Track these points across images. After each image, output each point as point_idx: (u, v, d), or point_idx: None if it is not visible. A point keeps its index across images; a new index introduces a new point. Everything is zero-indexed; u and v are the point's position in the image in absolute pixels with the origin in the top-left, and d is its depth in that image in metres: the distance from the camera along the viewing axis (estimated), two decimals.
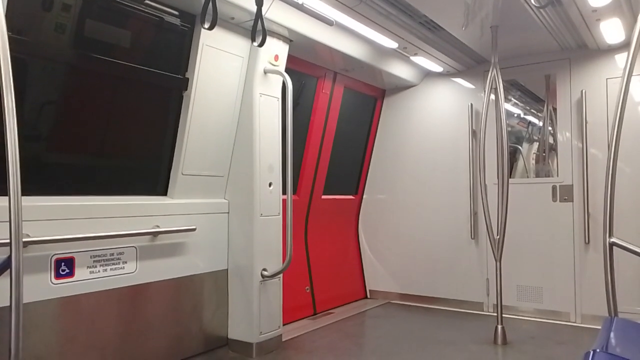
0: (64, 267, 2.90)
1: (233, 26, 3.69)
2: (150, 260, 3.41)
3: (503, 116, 4.20)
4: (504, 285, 4.23)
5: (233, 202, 3.98)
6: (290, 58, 4.13)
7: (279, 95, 4.05)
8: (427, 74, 5.65)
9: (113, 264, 3.17)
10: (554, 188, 4.91)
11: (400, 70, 5.25)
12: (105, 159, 3.47)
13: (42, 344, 2.81)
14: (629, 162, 4.44)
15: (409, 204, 5.72)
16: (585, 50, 4.79)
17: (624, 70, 2.56)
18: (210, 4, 2.92)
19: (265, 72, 3.90)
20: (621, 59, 4.63)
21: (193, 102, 3.57)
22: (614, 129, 2.55)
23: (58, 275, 2.88)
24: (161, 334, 3.50)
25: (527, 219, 4.97)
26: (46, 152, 3.12)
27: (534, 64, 5.07)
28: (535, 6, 3.68)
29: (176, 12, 3.45)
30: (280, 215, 4.06)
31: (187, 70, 3.56)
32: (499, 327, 4.10)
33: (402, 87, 5.77)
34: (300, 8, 3.48)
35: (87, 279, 3.03)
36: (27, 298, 2.47)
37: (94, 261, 3.06)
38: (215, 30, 3.19)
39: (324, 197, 5.35)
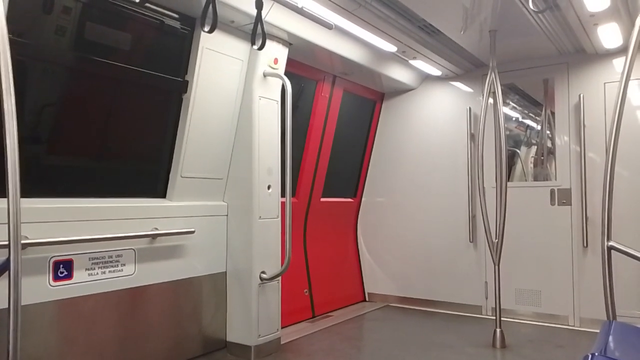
0: (63, 269, 2.90)
1: (233, 29, 3.70)
2: (149, 262, 3.41)
3: (501, 120, 4.21)
4: (503, 289, 4.24)
5: (232, 205, 3.98)
6: (290, 61, 4.14)
7: (279, 99, 4.06)
8: (426, 78, 5.66)
9: (112, 266, 3.17)
10: (552, 192, 4.92)
11: (399, 73, 5.26)
12: (104, 161, 3.47)
13: (40, 347, 2.81)
14: (626, 166, 4.46)
15: (407, 207, 5.72)
16: (583, 54, 4.81)
17: (621, 74, 2.57)
18: (211, 7, 2.92)
19: (264, 75, 3.91)
20: (619, 63, 4.65)
21: (193, 105, 3.57)
22: (612, 133, 2.56)
23: (56, 278, 2.88)
24: (160, 337, 3.49)
25: (525, 223, 4.98)
26: (45, 154, 3.12)
27: (532, 68, 5.09)
28: (533, 11, 3.70)
29: (176, 15, 3.46)
30: (279, 218, 4.06)
31: (186, 73, 3.57)
32: (498, 330, 4.11)
33: (401, 90, 5.78)
34: (300, 12, 3.49)
35: (85, 281, 3.03)
36: (25, 300, 2.47)
37: (92, 263, 3.06)
38: (215, 33, 3.20)
39: (322, 199, 5.36)
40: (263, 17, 3.30)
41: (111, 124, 3.46)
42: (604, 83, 4.69)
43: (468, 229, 5.27)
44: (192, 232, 3.65)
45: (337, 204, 5.71)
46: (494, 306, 4.22)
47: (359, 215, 6.03)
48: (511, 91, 5.69)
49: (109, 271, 3.16)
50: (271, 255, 3.98)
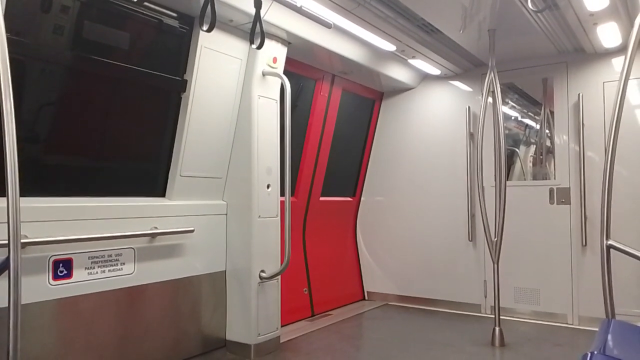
0: (62, 268, 2.90)
1: (231, 28, 3.70)
2: (149, 261, 3.41)
3: (500, 119, 4.22)
4: (502, 287, 4.24)
5: (231, 204, 3.99)
6: (289, 60, 4.14)
7: (277, 98, 4.06)
8: (425, 77, 5.67)
9: (111, 265, 3.17)
10: (551, 191, 4.92)
11: (398, 73, 5.26)
12: (103, 160, 3.47)
13: (40, 346, 2.81)
14: (625, 165, 4.46)
15: (406, 206, 5.72)
16: (582, 54, 4.81)
17: (620, 73, 2.57)
18: (209, 6, 2.92)
19: (263, 75, 3.91)
20: (618, 62, 4.65)
21: (191, 104, 3.57)
22: (611, 132, 2.57)
23: (56, 277, 2.88)
24: (159, 336, 3.50)
25: (524, 222, 4.98)
26: (45, 154, 3.12)
27: (532, 67, 5.09)
28: (532, 10, 3.70)
29: (175, 15, 3.46)
30: (279, 217, 4.06)
31: (185, 72, 3.57)
32: (497, 329, 4.12)
33: (400, 89, 5.78)
34: (299, 11, 3.49)
35: (85, 280, 3.03)
36: (25, 299, 2.47)
37: (92, 262, 3.06)
38: (214, 32, 3.20)
39: (322, 199, 5.36)
40: (262, 16, 3.29)
41: (110, 123, 3.46)
42: (603, 82, 4.70)
43: (467, 228, 5.28)
44: (192, 231, 3.65)
45: (336, 203, 5.72)
46: (493, 305, 4.23)
47: (358, 214, 6.04)
48: (510, 90, 5.69)
49: (109, 270, 3.16)
50: (270, 254, 3.98)
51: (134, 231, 3.28)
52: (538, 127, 5.99)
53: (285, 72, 4.04)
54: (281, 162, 4.00)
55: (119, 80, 3.36)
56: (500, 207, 4.13)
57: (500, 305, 4.18)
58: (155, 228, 3.43)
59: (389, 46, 4.47)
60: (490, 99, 4.36)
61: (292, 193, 4.48)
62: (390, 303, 5.74)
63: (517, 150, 6.07)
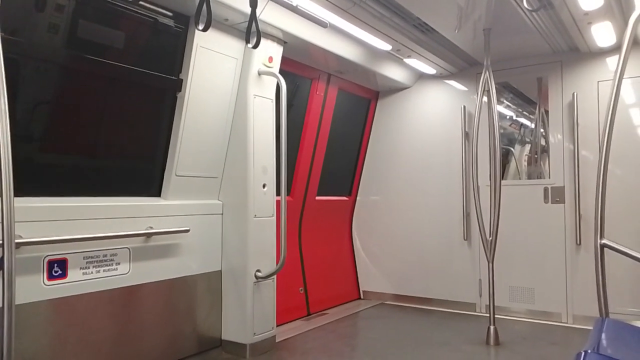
0: (57, 268, 2.89)
1: (227, 28, 3.69)
2: (144, 261, 3.41)
3: (495, 118, 4.23)
4: (497, 286, 4.26)
5: (227, 204, 3.98)
6: (285, 60, 4.14)
7: (273, 97, 4.06)
8: (421, 76, 5.67)
9: (106, 265, 3.16)
10: (545, 190, 4.94)
11: (393, 72, 5.27)
12: (98, 160, 3.46)
13: (35, 346, 2.80)
14: (619, 164, 4.48)
15: (402, 205, 5.73)
16: (576, 53, 4.83)
17: (615, 73, 2.59)
18: (205, 5, 2.92)
19: (259, 74, 3.91)
20: (612, 61, 4.68)
21: (187, 103, 3.57)
22: (605, 131, 2.58)
23: (51, 277, 2.87)
24: (154, 336, 3.49)
25: (519, 221, 5.00)
26: (39, 153, 3.11)
27: (526, 66, 5.11)
28: (527, 9, 3.71)
29: (170, 14, 3.45)
30: (274, 217, 4.06)
31: (181, 72, 3.56)
32: (492, 327, 4.13)
33: (396, 89, 5.79)
34: (295, 10, 3.49)
35: (80, 280, 3.02)
36: (19, 299, 2.46)
37: (86, 262, 3.05)
38: (210, 31, 3.19)
39: (317, 198, 5.36)
40: (257, 15, 3.29)
41: (105, 122, 3.45)
42: (598, 81, 4.72)
43: (462, 227, 5.29)
44: (187, 231, 3.64)
45: (332, 203, 5.72)
46: (488, 303, 4.25)
47: (354, 214, 6.04)
48: (505, 89, 5.72)
49: (104, 270, 3.15)
50: (266, 253, 3.98)
51: (129, 231, 3.27)
52: (533, 126, 6.02)
53: (281, 72, 4.03)
54: (277, 162, 4.00)
55: (114, 79, 3.34)
56: (495, 206, 4.14)
57: (495, 304, 4.20)
58: (151, 228, 3.42)
59: (384, 45, 4.48)
60: (485, 98, 4.38)
61: (288, 192, 4.49)
62: (385, 302, 5.75)
63: (512, 149, 6.10)
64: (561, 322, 4.80)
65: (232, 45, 3.76)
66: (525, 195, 5.05)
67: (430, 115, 5.62)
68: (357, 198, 6.03)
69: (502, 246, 4.52)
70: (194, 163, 3.74)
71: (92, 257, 3.08)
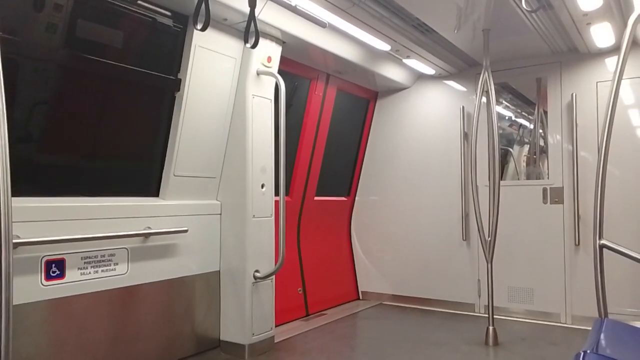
0: (55, 268, 2.88)
1: (226, 27, 3.69)
2: (142, 261, 3.40)
3: (494, 119, 4.23)
4: (495, 287, 4.25)
5: (225, 204, 3.97)
6: (283, 60, 4.13)
7: (272, 97, 4.05)
8: (420, 77, 5.67)
9: (104, 265, 3.16)
10: (544, 190, 4.94)
11: (392, 72, 5.27)
12: (96, 159, 3.45)
13: (32, 346, 2.79)
14: (618, 165, 4.48)
15: (401, 205, 5.73)
16: (575, 53, 4.83)
17: (614, 73, 2.58)
18: (203, 5, 2.91)
19: (258, 74, 3.90)
20: (611, 62, 4.68)
21: (185, 103, 3.56)
22: (604, 132, 2.58)
23: (48, 277, 2.86)
24: (153, 336, 3.48)
25: (518, 221, 5.00)
26: (37, 153, 3.10)
27: (525, 67, 5.11)
28: (526, 10, 3.71)
29: (169, 13, 3.44)
30: (273, 217, 4.05)
31: (179, 71, 3.56)
32: (490, 328, 4.13)
33: (395, 89, 5.79)
34: (293, 10, 3.48)
35: (78, 280, 3.01)
36: (17, 300, 2.45)
37: (84, 262, 3.05)
38: (208, 31, 3.19)
39: (316, 198, 5.36)
40: (256, 15, 3.29)
41: (103, 122, 3.44)
42: (597, 82, 4.72)
43: (461, 227, 5.29)
44: (185, 231, 3.63)
45: (331, 203, 5.72)
46: (486, 304, 4.24)
47: (353, 214, 6.04)
48: (504, 90, 5.72)
49: (102, 270, 3.14)
50: (265, 254, 3.97)
51: (127, 231, 3.26)
52: (532, 126, 6.02)
53: (279, 72, 4.03)
54: (276, 162, 3.99)
55: (112, 79, 3.34)
56: (494, 206, 4.14)
57: (494, 305, 4.20)
58: (149, 228, 3.41)
59: (383, 46, 4.48)
60: (484, 99, 4.37)
61: (287, 192, 4.47)
62: (384, 302, 5.75)
63: (511, 149, 6.10)
64: (560, 323, 4.80)
65: (230, 45, 3.75)
66: (524, 196, 5.05)
67: (429, 116, 5.62)
68: (356, 198, 6.03)
69: (501, 246, 4.52)
70: (193, 163, 3.73)
71: (90, 258, 3.07)
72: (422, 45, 4.63)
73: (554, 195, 4.89)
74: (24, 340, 2.73)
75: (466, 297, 5.29)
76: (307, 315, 5.12)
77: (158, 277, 3.52)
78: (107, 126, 3.45)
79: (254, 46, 3.38)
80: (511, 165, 6.04)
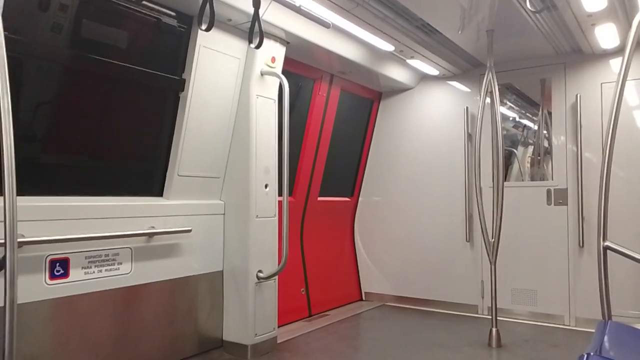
0: (59, 267, 2.89)
1: (230, 28, 3.69)
2: (146, 261, 3.41)
3: (498, 119, 4.22)
4: (499, 288, 4.25)
5: (229, 204, 3.98)
6: (287, 60, 4.14)
7: (276, 97, 4.06)
8: (423, 77, 5.67)
9: (108, 264, 3.16)
10: (548, 192, 4.93)
11: (396, 73, 5.26)
12: (101, 159, 3.46)
13: (36, 345, 2.80)
14: (623, 166, 4.47)
15: (404, 206, 5.73)
16: (580, 54, 4.82)
17: (618, 74, 2.57)
18: (208, 5, 2.92)
19: (262, 74, 3.90)
20: (616, 63, 4.66)
21: (190, 103, 3.56)
22: (609, 133, 2.57)
23: (53, 276, 2.87)
24: (156, 336, 3.49)
25: (522, 222, 4.99)
26: (42, 153, 3.11)
27: (530, 68, 5.10)
28: (531, 11, 3.70)
29: (173, 14, 3.45)
30: (276, 217, 4.05)
31: (183, 72, 3.56)
32: (494, 329, 4.12)
33: (399, 90, 5.78)
34: (298, 10, 3.48)
35: (81, 279, 3.02)
36: (21, 299, 2.45)
37: (88, 262, 3.05)
38: (213, 31, 3.19)
39: (319, 199, 5.36)
40: (260, 15, 3.29)
41: (108, 122, 3.45)
42: (601, 83, 4.70)
43: (465, 228, 5.28)
44: (189, 231, 3.64)
45: (334, 203, 5.71)
46: (490, 305, 4.23)
47: (356, 215, 6.04)
48: (508, 91, 5.70)
49: (106, 270, 3.15)
50: (268, 254, 3.98)
51: (131, 231, 3.27)
52: (536, 127, 6.00)
53: (283, 72, 4.03)
54: (279, 162, 4.00)
55: (117, 79, 3.35)
56: (497, 207, 4.13)
57: (497, 306, 4.19)
58: (153, 227, 3.42)
59: (387, 46, 4.47)
60: (488, 100, 4.36)
61: (290, 193, 4.48)
62: (387, 304, 5.74)
63: (515, 150, 6.08)
64: (563, 325, 4.78)
65: (234, 46, 3.76)
66: (528, 197, 5.03)
67: (433, 117, 5.62)
68: (359, 199, 6.03)
69: (505, 248, 4.51)
70: (196, 163, 3.74)
71: (94, 257, 3.08)
72: (426, 46, 4.62)
73: (558, 197, 4.88)
74: (27, 339, 2.74)
75: (469, 299, 5.28)
76: (310, 315, 5.12)
77: (161, 277, 3.52)
78: (112, 126, 3.46)
79: (258, 46, 3.39)
80: (515, 166, 6.03)
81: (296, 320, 4.89)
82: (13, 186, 1.85)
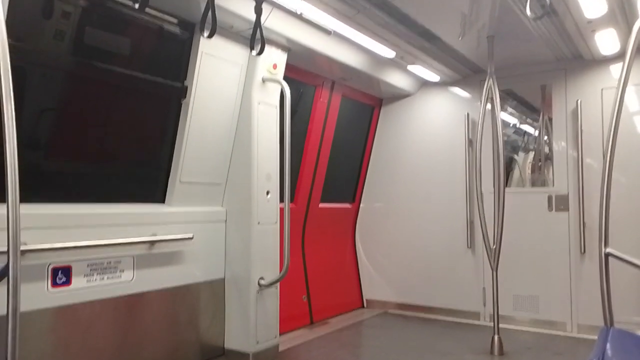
0: (61, 275, 2.89)
1: (232, 35, 3.71)
2: (147, 269, 3.40)
3: (499, 125, 4.23)
4: (500, 295, 4.24)
5: (230, 210, 3.98)
6: (289, 67, 4.15)
7: (277, 104, 4.07)
8: (424, 83, 5.68)
9: (110, 272, 3.16)
10: (549, 197, 4.93)
11: (397, 79, 5.28)
12: (103, 166, 3.46)
13: (38, 353, 2.79)
14: (624, 172, 4.47)
15: (405, 212, 5.72)
16: (580, 60, 4.83)
17: (619, 80, 2.57)
18: (210, 12, 2.93)
19: (263, 81, 3.91)
20: (616, 69, 4.67)
21: (192, 110, 3.57)
22: (609, 138, 2.57)
23: (55, 284, 2.86)
24: (157, 344, 3.47)
25: (523, 229, 4.98)
26: (45, 160, 3.11)
27: (530, 73, 5.11)
28: (531, 17, 3.71)
29: (176, 21, 3.46)
30: (278, 224, 4.05)
31: (186, 78, 3.57)
32: (496, 337, 4.10)
33: (399, 96, 5.79)
34: (299, 17, 3.50)
35: (83, 287, 3.01)
36: (24, 307, 2.45)
37: (90, 270, 3.05)
38: (215, 38, 3.20)
39: (321, 205, 5.35)
40: (262, 22, 3.30)
41: (110, 129, 3.46)
42: (602, 89, 4.71)
43: (466, 235, 5.27)
44: (191, 238, 3.64)
45: (336, 210, 5.71)
46: (492, 312, 4.22)
47: (358, 221, 6.03)
48: (509, 97, 5.71)
49: (108, 277, 3.14)
50: (269, 261, 3.97)
51: (133, 238, 3.27)
52: (536, 133, 6.01)
53: (285, 78, 4.04)
54: (281, 169, 4.00)
55: (119, 86, 3.36)
56: (498, 214, 4.13)
57: (499, 313, 4.18)
58: (155, 235, 3.42)
59: (388, 53, 4.49)
60: (489, 106, 4.37)
61: (292, 199, 4.47)
62: (389, 311, 5.72)
63: (515, 156, 6.08)
64: (565, 332, 4.77)
65: (236, 52, 3.77)
66: (529, 203, 5.03)
67: (434, 122, 5.62)
68: (361, 205, 6.02)
69: (506, 254, 4.49)
70: (198, 169, 3.74)
71: (96, 265, 3.07)
72: (427, 52, 4.64)
73: (559, 203, 4.87)
74: (29, 347, 2.73)
75: (471, 306, 5.27)
76: (312, 323, 5.11)
77: (163, 285, 3.51)
78: (114, 133, 3.47)
79: (259, 53, 3.40)
80: (516, 172, 6.03)
81: (298, 328, 4.87)
82: (16, 194, 1.85)
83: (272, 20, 3.57)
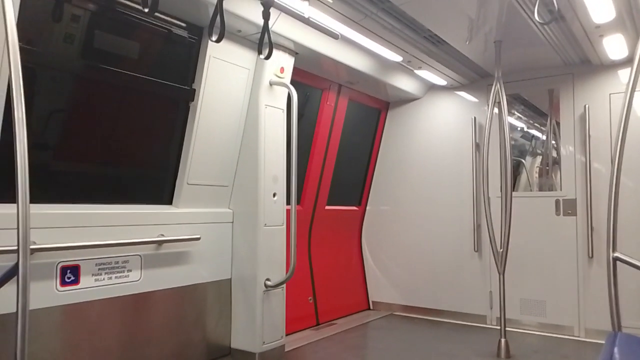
0: (70, 274, 2.92)
1: (240, 39, 3.74)
2: (155, 268, 3.43)
3: (506, 130, 4.22)
4: (507, 299, 4.23)
5: (237, 212, 4.00)
6: (296, 70, 4.17)
7: (284, 107, 4.09)
8: (431, 87, 5.69)
9: (118, 272, 3.19)
10: (557, 202, 4.91)
11: (404, 83, 5.28)
12: (112, 167, 3.50)
13: (47, 351, 2.83)
14: (632, 177, 4.45)
15: (412, 215, 5.72)
16: (588, 65, 4.82)
17: (627, 85, 2.57)
18: (218, 17, 2.96)
19: (270, 84, 3.94)
20: (624, 74, 4.65)
21: (199, 113, 3.61)
22: (617, 143, 2.57)
23: (63, 283, 2.90)
24: (164, 343, 3.50)
25: (530, 233, 4.97)
26: (54, 161, 3.15)
27: (537, 78, 5.10)
28: (539, 22, 3.71)
29: (184, 25, 3.50)
30: (284, 226, 4.07)
31: (194, 82, 3.61)
32: (502, 340, 4.09)
33: (406, 100, 5.80)
34: (306, 22, 3.52)
35: (92, 286, 3.05)
36: (33, 305, 2.49)
37: (99, 269, 3.09)
38: (223, 42, 3.23)
39: (327, 207, 5.37)
40: (270, 26, 3.33)
41: (119, 131, 3.49)
42: (610, 94, 4.70)
43: (473, 238, 5.26)
44: (198, 239, 3.67)
45: (342, 212, 5.72)
46: (498, 316, 4.21)
47: (364, 224, 6.04)
48: (516, 101, 5.71)
49: (115, 277, 3.18)
50: (276, 262, 3.99)
51: (141, 238, 3.30)
52: (544, 138, 6.00)
53: (292, 82, 4.07)
54: (287, 171, 4.02)
55: (128, 89, 3.39)
56: (506, 217, 4.12)
57: (506, 317, 4.16)
58: (162, 235, 3.45)
59: (395, 57, 4.50)
60: (496, 110, 4.37)
61: (298, 202, 4.50)
62: (395, 313, 5.72)
63: (523, 161, 6.07)
64: (573, 336, 4.74)
65: (244, 56, 3.81)
66: (537, 207, 5.01)
67: (441, 126, 5.62)
68: (367, 208, 6.03)
69: (513, 258, 4.49)
70: (206, 172, 3.77)
71: (104, 264, 3.11)
72: (434, 57, 4.64)
73: (567, 207, 4.85)
74: (38, 345, 2.77)
75: (478, 309, 5.25)
76: (318, 324, 5.12)
77: (170, 284, 3.55)
78: (123, 135, 3.51)
79: (267, 57, 3.42)
80: (523, 177, 6.02)
81: (304, 329, 4.89)
82: (26, 194, 1.88)
83: (280, 25, 3.60)
